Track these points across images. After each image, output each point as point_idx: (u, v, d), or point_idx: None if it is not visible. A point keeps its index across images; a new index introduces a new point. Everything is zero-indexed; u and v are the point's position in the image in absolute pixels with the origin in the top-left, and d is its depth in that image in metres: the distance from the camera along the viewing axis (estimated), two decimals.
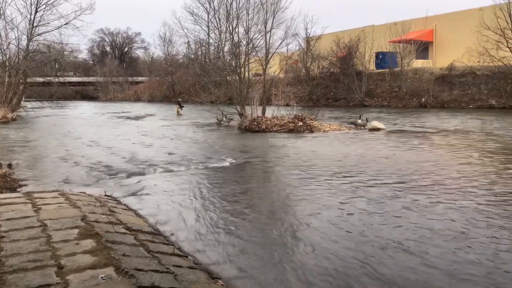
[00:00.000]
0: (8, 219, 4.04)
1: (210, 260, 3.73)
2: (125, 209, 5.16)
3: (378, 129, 14.68)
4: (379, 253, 3.80)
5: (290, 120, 15.62)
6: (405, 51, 32.61)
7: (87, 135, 14.95)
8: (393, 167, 7.81)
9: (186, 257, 3.75)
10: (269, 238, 4.24)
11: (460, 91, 28.04)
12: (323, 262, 3.65)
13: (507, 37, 25.72)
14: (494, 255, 3.72)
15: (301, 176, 7.21)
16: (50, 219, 4.05)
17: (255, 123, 15.83)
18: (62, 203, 4.71)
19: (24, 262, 3.05)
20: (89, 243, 3.44)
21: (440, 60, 34.83)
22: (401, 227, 4.46)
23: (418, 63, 33.71)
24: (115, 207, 5.07)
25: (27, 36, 25.75)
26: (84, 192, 5.78)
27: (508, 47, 25.78)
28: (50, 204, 4.64)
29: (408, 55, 32.60)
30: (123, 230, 4.01)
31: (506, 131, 13.56)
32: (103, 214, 4.40)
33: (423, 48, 35.08)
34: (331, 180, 6.85)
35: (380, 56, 35.11)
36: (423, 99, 29.09)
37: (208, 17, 46.14)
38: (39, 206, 4.51)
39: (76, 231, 3.74)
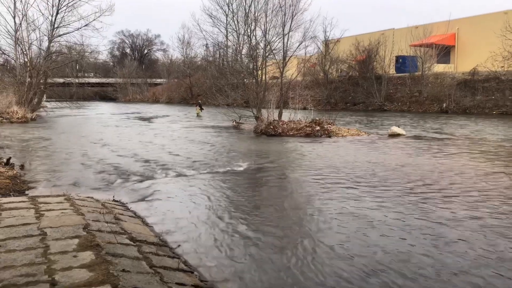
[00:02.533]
0: (7, 226, 3.85)
1: (217, 277, 3.45)
2: (132, 217, 4.94)
3: (398, 135, 14.23)
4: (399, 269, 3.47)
5: (307, 124, 15.28)
6: (426, 55, 31.92)
7: (103, 136, 14.91)
8: (413, 176, 7.42)
9: (192, 272, 3.48)
10: (284, 255, 3.93)
11: (483, 97, 27.24)
12: (342, 280, 3.35)
13: None
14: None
15: (318, 184, 6.89)
16: (50, 227, 3.84)
17: (271, 127, 15.54)
18: (66, 209, 4.51)
19: (17, 276, 2.83)
20: (87, 256, 3.22)
21: (462, 64, 33.95)
22: (407, 240, 4.12)
23: (440, 68, 32.94)
24: (122, 214, 4.85)
25: (48, 37, 26.04)
26: (92, 197, 5.59)
27: None
28: (53, 210, 4.45)
29: (429, 59, 31.91)
30: (127, 241, 3.77)
31: None
32: (107, 222, 4.18)
33: (445, 52, 34.29)
34: (351, 189, 6.50)
35: (401, 60, 34.44)
36: (444, 105, 28.39)
37: (226, 19, 46.10)
38: (42, 212, 4.32)
39: (76, 241, 3.52)
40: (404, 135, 14.30)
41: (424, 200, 5.75)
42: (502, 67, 26.38)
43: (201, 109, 29.05)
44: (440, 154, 10.10)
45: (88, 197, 5.57)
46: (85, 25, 26.33)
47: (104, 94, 69.88)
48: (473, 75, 28.38)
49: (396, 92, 32.50)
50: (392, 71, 34.37)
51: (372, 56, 33.66)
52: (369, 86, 32.56)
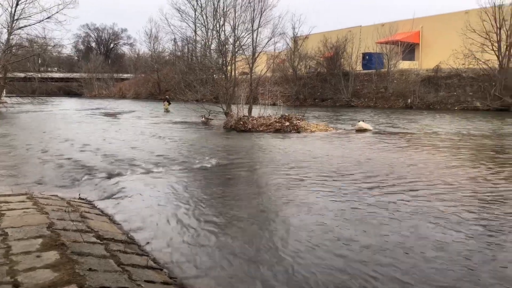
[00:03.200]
0: None
1: (187, 273, 3.43)
2: (98, 214, 4.83)
3: (365, 130, 14.53)
4: (360, 257, 3.55)
5: (277, 120, 15.36)
6: (392, 52, 32.69)
7: (67, 132, 14.46)
8: (378, 169, 7.60)
9: (161, 269, 3.44)
10: (253, 249, 3.94)
11: (446, 93, 28.22)
12: (312, 270, 3.39)
13: (492, 40, 25.97)
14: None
15: (287, 179, 6.94)
16: (12, 227, 3.70)
17: (241, 123, 15.54)
18: (28, 208, 4.36)
19: None
20: (52, 256, 3.12)
21: (426, 61, 35.01)
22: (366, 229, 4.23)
23: (405, 65, 33.85)
24: (88, 212, 4.73)
25: (7, 30, 25.01)
26: (56, 195, 5.42)
27: (493, 50, 26.02)
28: (15, 209, 4.29)
29: (394, 56, 32.71)
30: (93, 239, 3.68)
31: (491, 133, 13.54)
32: (72, 220, 4.07)
33: (410, 50, 35.25)
34: (317, 182, 6.59)
35: (367, 57, 35.15)
36: (409, 100, 29.21)
37: (195, 14, 45.59)
38: (3, 212, 4.15)
39: (39, 241, 3.40)
40: (370, 130, 14.61)
41: (388, 191, 5.90)
42: (463, 64, 27.37)
43: (169, 104, 28.70)
44: (405, 148, 10.39)
45: (52, 195, 5.40)
46: (48, 18, 25.47)
47: (68, 90, 67.68)
48: (436, 72, 29.35)
49: (363, 88, 33.17)
50: (359, 67, 35.04)
51: (340, 53, 34.19)
52: (337, 83, 33.08)
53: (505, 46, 25.78)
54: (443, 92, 28.33)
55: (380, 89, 31.92)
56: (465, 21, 26.53)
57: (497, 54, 25.96)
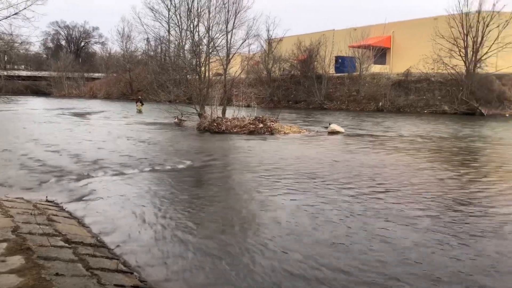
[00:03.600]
0: None
1: (158, 277, 3.38)
2: (67, 217, 4.70)
3: (337, 132, 14.73)
4: (325, 252, 3.60)
5: (251, 122, 15.38)
6: (364, 56, 33.28)
7: (34, 132, 14.03)
8: (348, 170, 7.72)
9: (132, 273, 3.38)
10: (225, 251, 3.92)
11: (415, 97, 28.95)
12: (283, 271, 3.40)
13: (459, 46, 26.84)
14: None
15: (260, 180, 6.96)
16: None
17: (215, 124, 15.48)
18: None
19: None
20: (17, 260, 3.02)
21: (397, 66, 35.80)
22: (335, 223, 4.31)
23: (376, 68, 34.51)
24: (56, 215, 4.60)
25: None
26: (22, 198, 5.24)
27: (460, 55, 26.90)
28: None
29: (366, 60, 33.30)
30: (61, 243, 3.58)
31: (455, 135, 13.99)
32: (39, 224, 3.94)
33: (381, 54, 35.96)
34: (287, 183, 6.64)
35: (340, 60, 35.65)
36: (380, 103, 29.81)
37: (168, 14, 45.11)
38: None
39: (4, 245, 3.29)
40: (342, 132, 14.83)
41: (358, 191, 6.01)
42: (432, 69, 28.16)
43: (142, 104, 28.32)
44: (375, 151, 10.59)
45: (17, 198, 5.22)
46: (14, 14, 24.54)
47: (36, 89, 65.65)
48: (406, 76, 30.08)
49: (336, 91, 33.63)
50: (332, 71, 35.50)
51: (313, 56, 34.55)
52: (310, 85, 33.42)
53: (471, 52, 26.68)
54: (413, 96, 29.07)
55: (352, 92, 32.45)
56: (434, 27, 27.31)
57: (464, 59, 26.85)
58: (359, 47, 34.11)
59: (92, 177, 7.15)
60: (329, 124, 15.63)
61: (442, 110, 26.94)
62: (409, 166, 8.38)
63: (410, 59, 31.05)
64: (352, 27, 37.19)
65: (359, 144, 12.03)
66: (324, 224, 4.69)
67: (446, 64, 27.10)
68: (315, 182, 6.86)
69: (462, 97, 26.29)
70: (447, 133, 15.16)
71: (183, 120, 18.56)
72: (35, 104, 36.39)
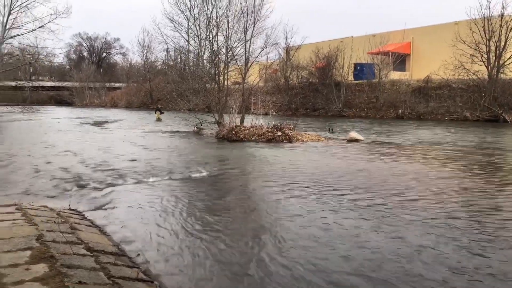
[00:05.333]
0: None
1: (178, 286, 3.39)
2: (89, 226, 4.77)
3: (356, 140, 14.60)
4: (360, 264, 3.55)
5: (269, 130, 15.40)
6: (383, 63, 33.02)
7: (58, 142, 14.35)
8: (371, 180, 7.63)
9: (152, 282, 3.41)
10: (245, 261, 3.92)
11: (436, 103, 28.50)
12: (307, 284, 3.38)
13: (482, 51, 26.35)
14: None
15: (279, 190, 6.94)
16: (0, 238, 3.65)
17: (233, 132, 15.54)
18: (17, 219, 4.30)
19: None
20: (41, 268, 3.08)
21: (417, 72, 35.38)
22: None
23: (396, 75, 34.18)
24: (78, 223, 4.68)
25: None
26: (46, 206, 5.35)
27: (482, 61, 26.40)
28: (3, 220, 4.23)
29: (386, 66, 33.03)
30: (83, 251, 3.64)
31: (479, 144, 13.68)
32: (62, 232, 4.02)
33: (401, 60, 35.62)
34: (307, 192, 6.60)
35: (359, 67, 35.46)
36: (400, 111, 29.45)
37: (188, 24, 45.62)
38: None
39: (28, 253, 3.36)
40: (362, 140, 14.69)
41: (381, 202, 5.92)
42: (453, 75, 27.71)
43: (161, 113, 28.76)
44: (395, 159, 10.45)
45: (41, 206, 5.33)
46: (40, 27, 25.33)
47: (60, 99, 67.36)
48: (426, 83, 29.67)
49: (354, 99, 33.41)
50: (350, 78, 35.32)
51: (332, 63, 34.45)
52: (329, 93, 33.30)
53: (494, 57, 26.16)
54: (433, 103, 28.62)
55: (372, 99, 32.18)
56: (455, 32, 26.89)
57: (486, 65, 26.33)
58: (378, 53, 33.88)
59: (113, 185, 7.25)
60: (331, 129, 15.60)
61: (464, 117, 26.43)
62: (432, 175, 8.23)
63: (430, 65, 30.65)
64: (371, 34, 37.02)
65: (379, 152, 11.90)
66: (351, 236, 4.63)
67: (467, 70, 26.64)
68: (335, 191, 6.80)
69: (484, 104, 25.76)
70: (470, 141, 14.86)
71: (202, 129, 18.71)
72: (58, 114, 37.25)
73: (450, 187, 7.07)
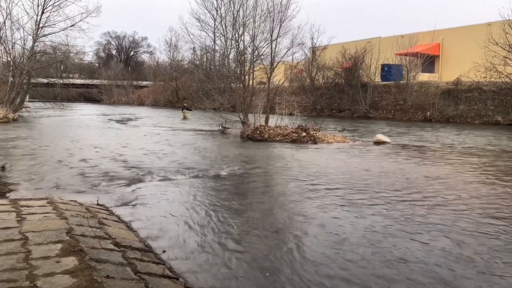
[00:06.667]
0: None
1: (203, 283, 3.41)
2: (116, 221, 4.87)
3: (383, 143, 14.37)
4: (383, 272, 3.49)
5: (294, 130, 15.33)
6: (411, 64, 32.39)
7: (87, 138, 14.71)
8: (398, 183, 7.50)
9: (177, 279, 3.44)
10: (270, 261, 3.91)
11: (466, 106, 27.73)
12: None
13: None
14: None
15: (304, 190, 6.90)
16: (32, 231, 3.76)
17: (258, 132, 15.55)
18: (48, 213, 4.43)
19: None
20: (71, 261, 3.15)
21: (446, 74, 34.57)
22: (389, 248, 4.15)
23: (424, 77, 33.48)
24: (106, 219, 4.77)
25: (33, 37, 25.65)
26: (75, 201, 5.49)
27: None
28: (35, 213, 4.36)
29: (414, 68, 32.38)
30: (111, 246, 3.71)
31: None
32: (91, 227, 4.11)
33: (430, 62, 34.86)
34: (335, 195, 6.54)
35: (386, 68, 34.90)
36: (428, 113, 28.82)
37: (214, 23, 46.02)
38: (24, 216, 4.23)
39: (59, 246, 3.45)
40: (389, 142, 14.45)
41: (407, 205, 5.81)
42: (484, 77, 26.91)
43: (189, 110, 29.12)
44: (424, 162, 10.23)
45: (71, 200, 5.47)
46: (71, 26, 26.04)
47: (88, 96, 69.13)
48: (456, 85, 28.90)
49: (381, 100, 32.90)
50: (377, 79, 34.80)
51: (358, 63, 34.00)
52: (355, 94, 32.89)
53: None
54: (463, 106, 27.86)
55: (399, 101, 31.61)
56: (487, 34, 26.11)
57: None
58: (406, 54, 33.25)
59: (140, 182, 7.37)
60: (343, 129, 15.43)
61: (495, 121, 25.63)
62: (461, 179, 8.03)
63: (460, 67, 29.87)
64: (399, 34, 36.37)
65: (407, 155, 11.68)
66: (380, 240, 4.56)
67: (500, 72, 25.79)
68: (361, 193, 6.72)
69: None
70: (501, 145, 14.40)
71: (227, 128, 18.80)
72: (87, 111, 38.18)
73: (479, 191, 6.86)
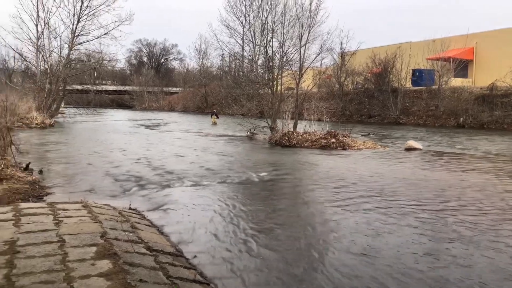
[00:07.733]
0: (27, 232, 3.89)
1: None
2: (148, 225, 4.95)
3: (414, 149, 14.06)
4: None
5: (322, 136, 15.22)
6: (443, 69, 31.61)
7: (119, 143, 15.07)
8: (432, 191, 7.31)
9: (208, 284, 3.47)
10: (301, 268, 3.89)
11: (501, 112, 26.79)
12: None
13: None
14: None
15: (332, 197, 6.83)
16: (69, 234, 3.87)
17: (286, 138, 15.53)
18: (83, 216, 4.55)
19: (36, 283, 2.85)
20: (105, 264, 3.23)
21: (480, 79, 33.53)
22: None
23: (457, 82, 32.58)
24: (138, 223, 4.87)
25: (68, 45, 26.60)
26: (109, 205, 5.62)
27: None
28: (71, 216, 4.49)
29: (446, 73, 31.59)
30: (143, 250, 3.78)
31: None
32: (124, 231, 4.20)
33: (463, 67, 33.91)
34: (366, 203, 6.43)
35: (417, 73, 34.20)
36: (461, 119, 28.02)
37: (243, 30, 46.58)
38: (61, 219, 4.36)
39: (93, 249, 3.54)
40: (420, 149, 14.13)
41: (443, 215, 5.65)
42: None
43: (217, 117, 29.42)
44: (458, 170, 9.94)
45: (105, 204, 5.61)
46: (105, 34, 26.87)
47: (120, 102, 70.85)
48: (491, 90, 27.97)
49: (412, 106, 32.23)
50: (408, 84, 34.13)
51: (388, 69, 33.46)
52: (385, 99, 32.35)
53: None
54: (498, 111, 26.92)
55: (431, 107, 30.88)
56: None
57: None
58: (438, 59, 32.49)
59: (171, 186, 7.49)
60: (369, 134, 15.15)
61: None
62: (496, 188, 7.75)
63: (495, 72, 28.93)
64: (430, 39, 35.58)
65: (439, 162, 11.38)
66: (407, 250, 4.46)
67: None
68: (392, 201, 6.58)
69: None
70: None
71: (255, 133, 18.86)
72: (119, 116, 39.14)
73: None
